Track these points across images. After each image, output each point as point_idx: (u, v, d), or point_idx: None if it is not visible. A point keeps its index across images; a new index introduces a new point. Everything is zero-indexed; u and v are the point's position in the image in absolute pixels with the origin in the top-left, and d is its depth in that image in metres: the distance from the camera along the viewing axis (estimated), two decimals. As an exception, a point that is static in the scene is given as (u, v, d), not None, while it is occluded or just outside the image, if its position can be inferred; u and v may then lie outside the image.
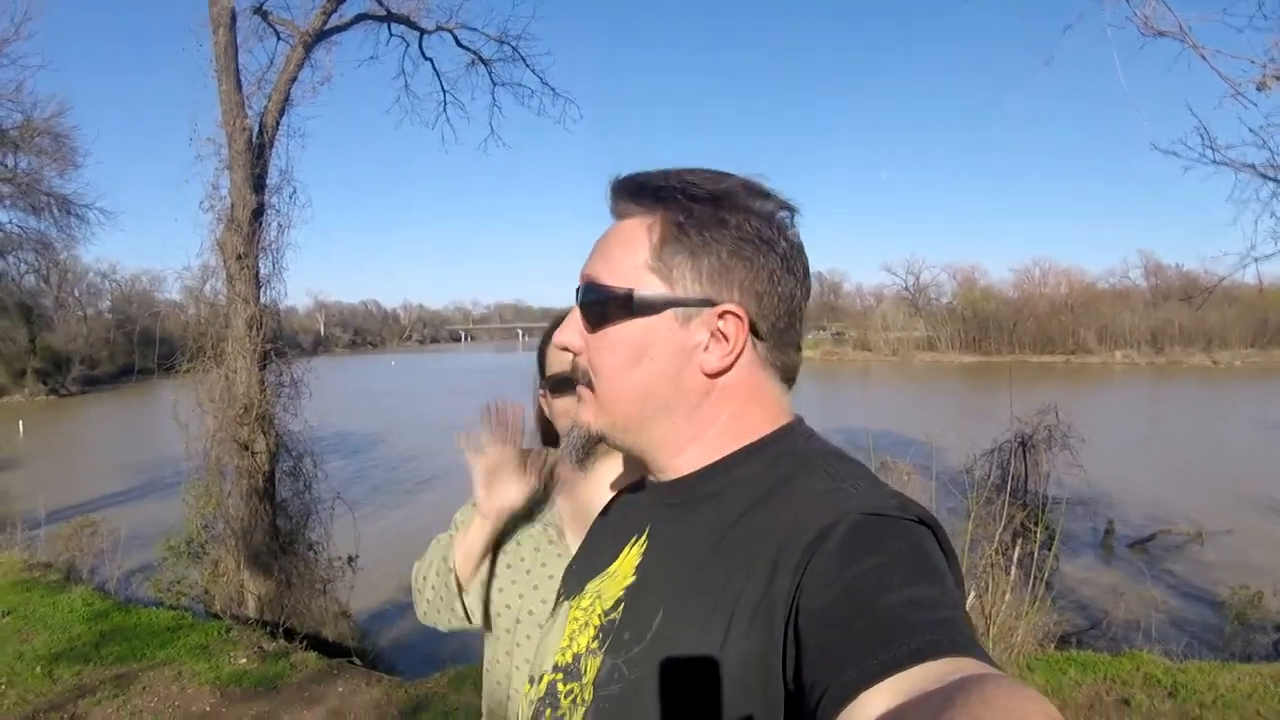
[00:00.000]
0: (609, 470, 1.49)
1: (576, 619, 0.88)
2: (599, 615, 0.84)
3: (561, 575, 1.37)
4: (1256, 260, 5.77)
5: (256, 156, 7.35)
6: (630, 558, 0.86)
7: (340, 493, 8.12)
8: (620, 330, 0.81)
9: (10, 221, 22.67)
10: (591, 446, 0.88)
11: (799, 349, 0.85)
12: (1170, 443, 22.98)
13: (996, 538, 6.24)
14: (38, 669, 5.29)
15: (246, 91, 7.43)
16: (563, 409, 1.48)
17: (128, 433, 27.75)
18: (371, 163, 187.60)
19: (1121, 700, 4.61)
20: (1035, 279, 70.84)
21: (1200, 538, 12.71)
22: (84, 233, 22.64)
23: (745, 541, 0.73)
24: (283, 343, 7.76)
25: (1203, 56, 5.33)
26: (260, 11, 7.89)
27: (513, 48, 9.50)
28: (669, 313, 0.80)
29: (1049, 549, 6.82)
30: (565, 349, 0.86)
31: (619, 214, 0.86)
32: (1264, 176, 5.58)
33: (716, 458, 0.81)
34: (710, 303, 0.79)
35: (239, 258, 7.21)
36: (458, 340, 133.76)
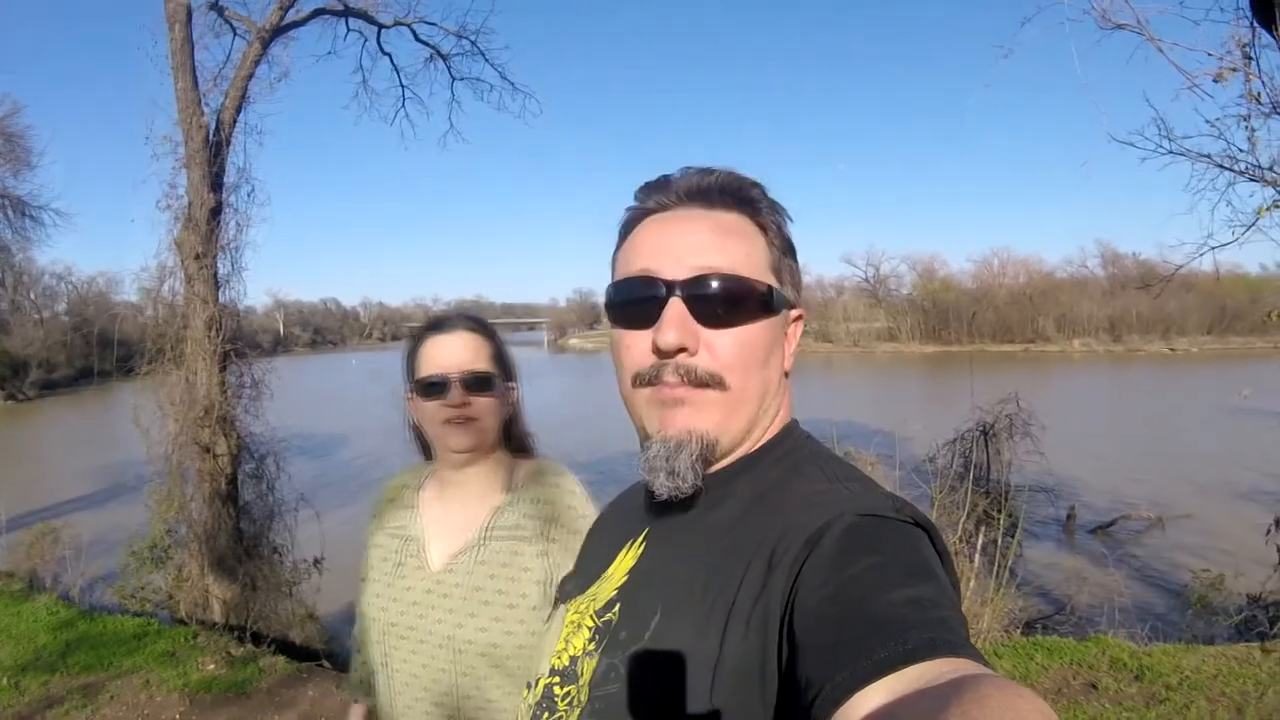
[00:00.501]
0: (473, 483, 1.52)
1: (571, 622, 0.89)
2: (594, 617, 0.85)
3: (547, 583, 1.40)
4: (1213, 248, 5.87)
5: (214, 154, 7.23)
6: (626, 560, 0.87)
7: (304, 494, 7.97)
8: (756, 327, 0.80)
9: (-37, 225, 21.97)
10: (713, 457, 0.80)
11: None
12: (1130, 429, 23.38)
13: (960, 525, 6.34)
14: (3, 680, 5.17)
15: (203, 88, 7.31)
16: (430, 414, 1.48)
17: (88, 437, 27.06)
18: (330, 159, 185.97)
19: (1089, 684, 4.66)
20: (994, 269, 72.15)
21: (1161, 522, 12.94)
22: (39, 234, 21.96)
23: (743, 542, 0.74)
24: (243, 343, 7.62)
25: (1160, 49, 5.42)
26: (216, 7, 7.77)
27: (471, 42, 9.46)
28: (784, 313, 0.84)
29: (1012, 536, 6.89)
30: (680, 349, 0.77)
31: (708, 206, 0.83)
32: (1220, 166, 5.68)
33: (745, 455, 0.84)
34: (793, 305, 0.85)
35: (197, 257, 7.09)
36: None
